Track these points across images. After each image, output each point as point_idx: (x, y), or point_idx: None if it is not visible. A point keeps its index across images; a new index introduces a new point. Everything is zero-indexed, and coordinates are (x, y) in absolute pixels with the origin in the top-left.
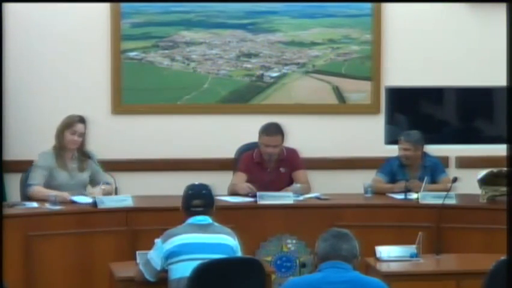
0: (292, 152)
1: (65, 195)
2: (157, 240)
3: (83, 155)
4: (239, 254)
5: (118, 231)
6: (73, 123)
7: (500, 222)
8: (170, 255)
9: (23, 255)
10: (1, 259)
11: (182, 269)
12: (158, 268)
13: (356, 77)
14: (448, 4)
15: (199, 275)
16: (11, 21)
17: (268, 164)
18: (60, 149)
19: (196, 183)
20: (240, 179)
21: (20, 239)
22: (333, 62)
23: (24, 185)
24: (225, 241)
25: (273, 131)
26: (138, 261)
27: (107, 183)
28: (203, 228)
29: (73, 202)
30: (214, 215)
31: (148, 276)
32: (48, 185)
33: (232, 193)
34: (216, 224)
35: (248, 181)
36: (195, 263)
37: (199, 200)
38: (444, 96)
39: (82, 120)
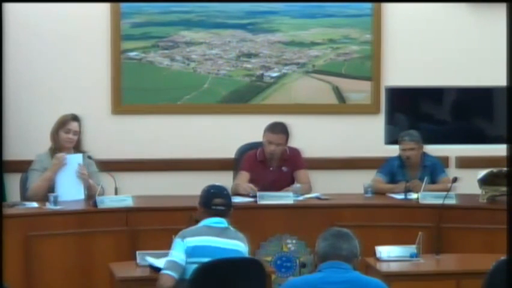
0: (295, 152)
1: (59, 156)
2: (175, 240)
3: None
4: None
5: (118, 231)
6: (67, 122)
7: (500, 222)
8: (190, 254)
9: (23, 255)
10: (1, 259)
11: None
12: (183, 263)
13: (356, 77)
14: (448, 4)
15: (199, 275)
16: (11, 21)
17: (271, 163)
18: (56, 149)
19: (216, 183)
20: (243, 179)
21: (20, 239)
22: (333, 62)
23: (23, 188)
24: (238, 247)
25: (278, 129)
26: (139, 261)
27: (101, 187)
28: (219, 231)
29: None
30: (231, 218)
31: (175, 275)
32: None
33: (235, 193)
34: (231, 228)
35: (251, 180)
36: None
37: (221, 199)
38: (444, 96)
39: (75, 118)
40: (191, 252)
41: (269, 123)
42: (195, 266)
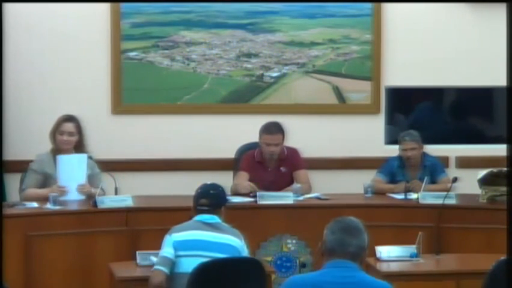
0: (293, 152)
1: (61, 189)
2: (165, 236)
3: None
4: (245, 255)
5: (118, 231)
6: (60, 124)
7: (500, 222)
8: (177, 246)
9: (23, 255)
10: (1, 259)
11: (186, 265)
12: (171, 257)
13: (356, 77)
14: (448, 4)
15: (200, 274)
16: (11, 21)
17: (269, 163)
18: (57, 150)
19: (208, 182)
20: (242, 179)
21: (20, 239)
22: (333, 62)
23: (20, 187)
24: (231, 242)
25: (274, 129)
26: (139, 261)
27: (101, 189)
28: (210, 226)
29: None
30: (223, 215)
31: (166, 270)
32: (48, 186)
33: (235, 193)
34: (224, 224)
35: (250, 180)
36: (199, 260)
37: (205, 199)
38: (444, 96)
39: (68, 119)
40: (180, 246)
41: (263, 124)
42: (185, 259)
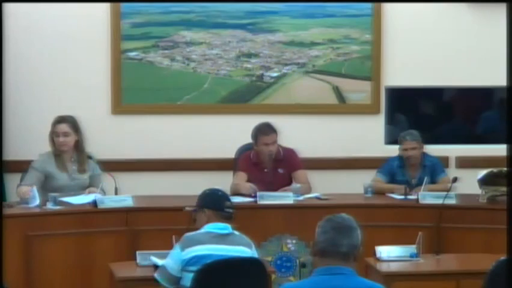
0: (290, 152)
1: (24, 190)
2: (175, 246)
3: (82, 157)
4: None
5: (118, 231)
6: (54, 126)
7: (500, 222)
8: (188, 264)
9: (23, 255)
10: (1, 259)
11: None
12: (175, 274)
13: (356, 77)
14: (448, 4)
15: (201, 275)
16: (11, 21)
17: (266, 164)
18: (57, 152)
19: (215, 187)
20: (241, 179)
21: (20, 239)
22: (333, 62)
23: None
24: (242, 253)
25: (269, 130)
26: (139, 261)
27: (102, 190)
28: (223, 238)
29: (69, 204)
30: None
31: (165, 284)
32: (50, 186)
33: (235, 193)
34: (236, 233)
35: (248, 181)
36: None
37: (230, 203)
38: (444, 96)
39: (61, 120)
40: (190, 262)
41: (255, 127)
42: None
